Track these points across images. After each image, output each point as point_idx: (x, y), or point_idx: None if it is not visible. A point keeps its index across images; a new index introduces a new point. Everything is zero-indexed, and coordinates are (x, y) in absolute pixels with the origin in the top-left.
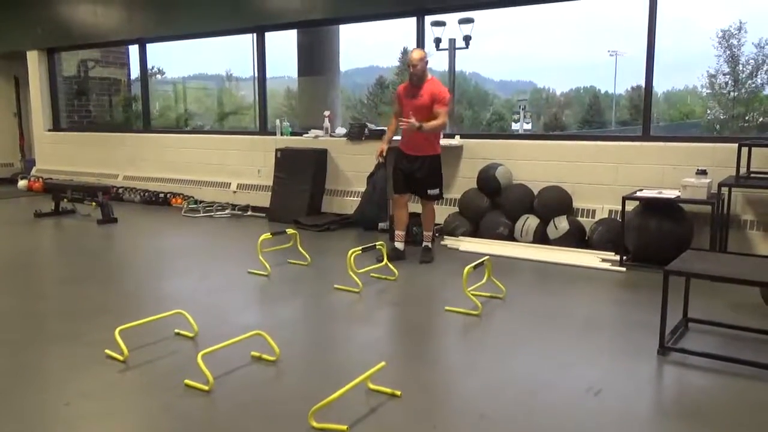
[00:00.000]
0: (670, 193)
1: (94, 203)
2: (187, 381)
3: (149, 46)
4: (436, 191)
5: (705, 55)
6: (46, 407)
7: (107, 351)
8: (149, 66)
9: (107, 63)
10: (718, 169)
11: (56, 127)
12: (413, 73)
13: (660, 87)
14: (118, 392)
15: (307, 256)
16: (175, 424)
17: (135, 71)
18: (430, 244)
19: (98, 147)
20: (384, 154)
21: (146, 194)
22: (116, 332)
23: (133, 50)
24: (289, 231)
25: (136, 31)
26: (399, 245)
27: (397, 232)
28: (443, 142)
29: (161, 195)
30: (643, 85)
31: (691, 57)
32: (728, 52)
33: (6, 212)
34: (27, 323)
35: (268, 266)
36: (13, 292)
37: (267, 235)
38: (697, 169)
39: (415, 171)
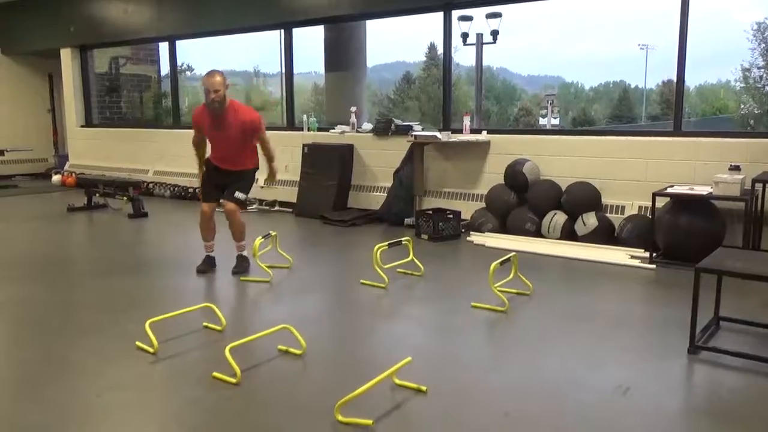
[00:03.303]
0: (702, 189)
1: (125, 198)
2: (215, 374)
3: (179, 43)
4: (242, 196)
5: (739, 49)
6: (79, 398)
7: (138, 343)
8: (179, 63)
9: (138, 60)
10: (752, 165)
11: (88, 123)
12: (214, 99)
13: (692, 81)
14: (148, 384)
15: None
16: (203, 416)
17: (165, 68)
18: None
19: (129, 142)
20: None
21: (176, 189)
22: (146, 325)
23: (163, 47)
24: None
25: (166, 29)
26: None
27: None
28: (470, 137)
29: (190, 190)
30: (675, 79)
31: (724, 50)
32: (763, 45)
33: (40, 206)
34: (60, 315)
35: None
36: (47, 284)
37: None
38: (730, 165)
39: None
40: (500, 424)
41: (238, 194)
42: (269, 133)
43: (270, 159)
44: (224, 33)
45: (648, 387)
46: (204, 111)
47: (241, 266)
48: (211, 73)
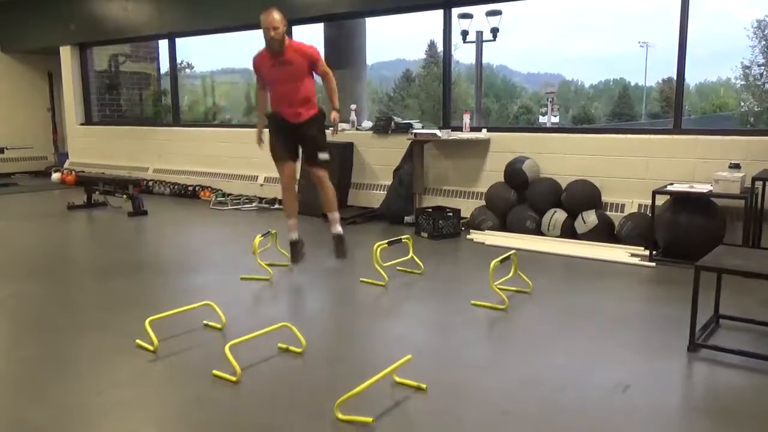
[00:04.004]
0: (702, 188)
1: (125, 196)
2: (215, 371)
3: (178, 41)
4: (326, 156)
5: (739, 46)
6: (79, 396)
7: (138, 341)
8: (178, 60)
9: (137, 58)
10: (752, 163)
11: (88, 121)
12: (274, 37)
13: (692, 79)
14: (148, 382)
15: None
16: (203, 413)
17: (164, 65)
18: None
19: (129, 140)
20: (261, 136)
21: (176, 187)
22: (146, 322)
23: (163, 45)
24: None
25: (165, 26)
26: (293, 235)
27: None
28: (470, 135)
29: (190, 188)
30: (675, 77)
31: (724, 48)
32: (763, 42)
33: (40, 204)
34: (60, 313)
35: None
36: (46, 282)
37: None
38: (730, 163)
39: (301, 132)
40: (500, 422)
41: (322, 155)
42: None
43: (333, 92)
44: (224, 30)
45: (648, 385)
46: (263, 54)
47: (341, 248)
48: (268, 11)
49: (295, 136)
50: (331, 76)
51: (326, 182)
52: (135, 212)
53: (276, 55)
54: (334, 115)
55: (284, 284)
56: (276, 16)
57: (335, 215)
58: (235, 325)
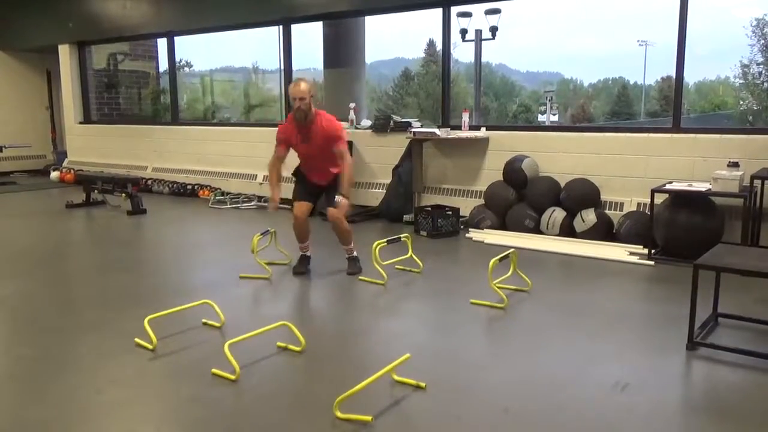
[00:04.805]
0: (701, 186)
1: (124, 194)
2: (214, 370)
3: (177, 39)
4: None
5: (738, 45)
6: (78, 394)
7: (137, 340)
8: (177, 59)
9: (136, 56)
10: (751, 162)
11: (87, 119)
12: (300, 107)
13: (691, 77)
14: (147, 380)
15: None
16: (202, 412)
17: (163, 64)
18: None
19: (128, 139)
20: (278, 202)
21: (175, 186)
22: (145, 321)
23: (162, 43)
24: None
25: (164, 25)
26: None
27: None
28: (469, 134)
29: (189, 187)
30: (674, 76)
31: (723, 46)
32: (762, 41)
33: (39, 203)
34: (59, 312)
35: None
36: (45, 281)
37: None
38: (729, 162)
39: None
40: (499, 420)
41: (338, 198)
42: (269, 130)
43: (344, 178)
44: (223, 29)
45: (646, 383)
46: (291, 124)
47: (355, 266)
48: (296, 82)
49: (318, 189)
50: (347, 161)
51: (341, 224)
52: (134, 211)
53: (303, 126)
54: (340, 199)
55: (283, 283)
56: (303, 87)
57: (350, 248)
58: (234, 323)
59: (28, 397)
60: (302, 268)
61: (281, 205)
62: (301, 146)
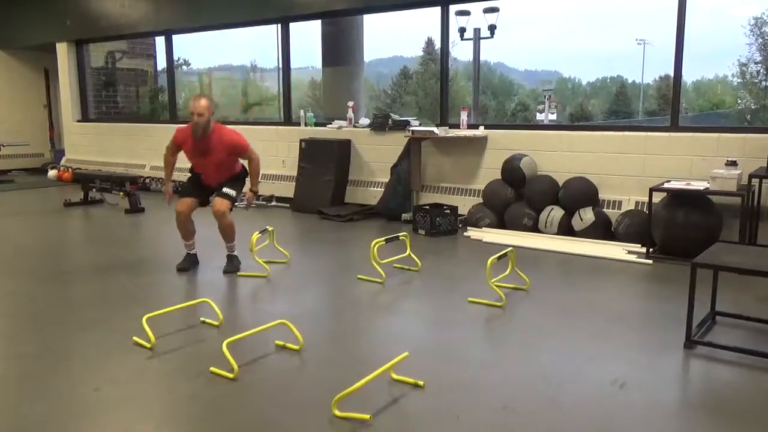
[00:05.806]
0: (699, 185)
1: (121, 193)
2: (212, 368)
3: (175, 38)
4: (232, 192)
5: (736, 44)
6: (77, 392)
7: (135, 338)
8: (175, 57)
9: (134, 54)
10: (749, 161)
11: (85, 117)
12: (197, 122)
13: (689, 76)
14: (145, 379)
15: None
16: (200, 410)
17: (161, 62)
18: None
19: (126, 137)
20: (171, 195)
21: (173, 184)
22: (143, 320)
23: (160, 42)
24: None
25: (162, 23)
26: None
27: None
28: (467, 132)
29: None
30: (672, 75)
31: (721, 45)
32: (760, 40)
33: (36, 201)
34: (57, 310)
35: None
36: (43, 279)
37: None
38: (727, 160)
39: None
40: (498, 418)
41: (227, 189)
42: (267, 129)
43: (254, 175)
44: (221, 27)
45: (644, 381)
46: (187, 132)
47: (233, 265)
48: (197, 97)
49: (209, 189)
50: (256, 162)
51: (224, 219)
52: (132, 209)
53: (199, 140)
54: (249, 195)
55: (281, 281)
56: (202, 102)
57: (231, 245)
58: (232, 322)
59: (27, 395)
60: (186, 264)
61: (277, 204)
62: (195, 158)
